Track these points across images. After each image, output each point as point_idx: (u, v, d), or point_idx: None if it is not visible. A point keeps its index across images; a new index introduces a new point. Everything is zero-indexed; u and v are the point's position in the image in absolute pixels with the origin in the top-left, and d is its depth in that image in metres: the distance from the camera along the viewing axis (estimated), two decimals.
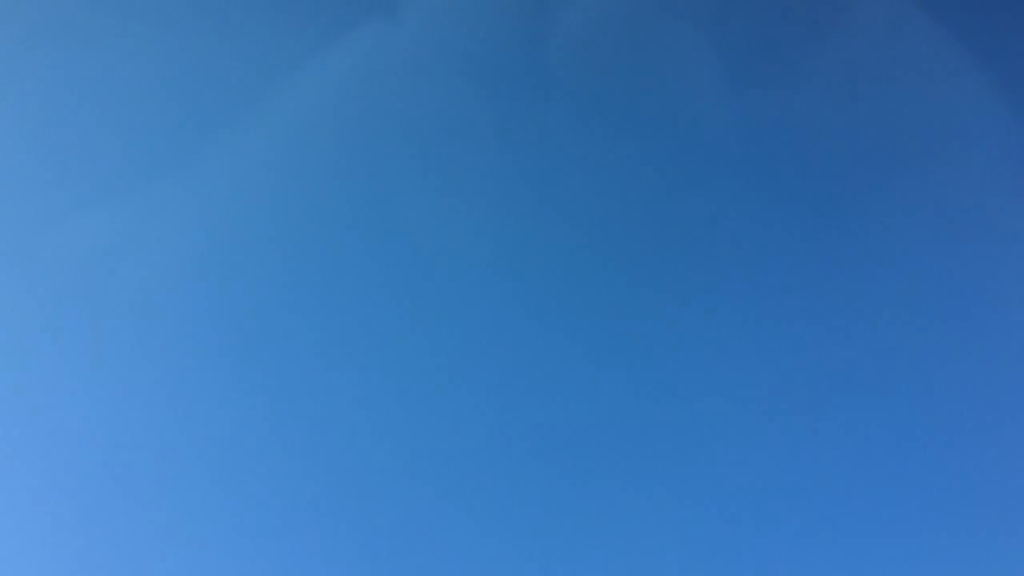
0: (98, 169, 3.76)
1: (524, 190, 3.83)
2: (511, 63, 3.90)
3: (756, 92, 3.87)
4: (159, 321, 3.65)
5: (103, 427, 3.55)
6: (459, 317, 3.70)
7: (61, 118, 3.78)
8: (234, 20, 3.90)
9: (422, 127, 3.86)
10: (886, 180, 3.78)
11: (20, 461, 3.51)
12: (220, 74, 3.85)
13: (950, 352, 3.63)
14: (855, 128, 3.83)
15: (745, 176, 3.82)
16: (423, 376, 3.65)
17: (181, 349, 3.63)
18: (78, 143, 3.77)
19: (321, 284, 3.71)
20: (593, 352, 3.68)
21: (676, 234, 3.78)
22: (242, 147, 3.80)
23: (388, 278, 3.73)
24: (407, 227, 3.78)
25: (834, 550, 3.48)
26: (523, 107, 3.87)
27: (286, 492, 3.53)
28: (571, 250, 3.78)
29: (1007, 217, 3.72)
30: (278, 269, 3.72)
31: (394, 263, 3.74)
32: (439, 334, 3.68)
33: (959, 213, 3.74)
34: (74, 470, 3.51)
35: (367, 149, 3.84)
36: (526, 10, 3.94)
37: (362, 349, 3.66)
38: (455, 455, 3.58)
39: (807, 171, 3.81)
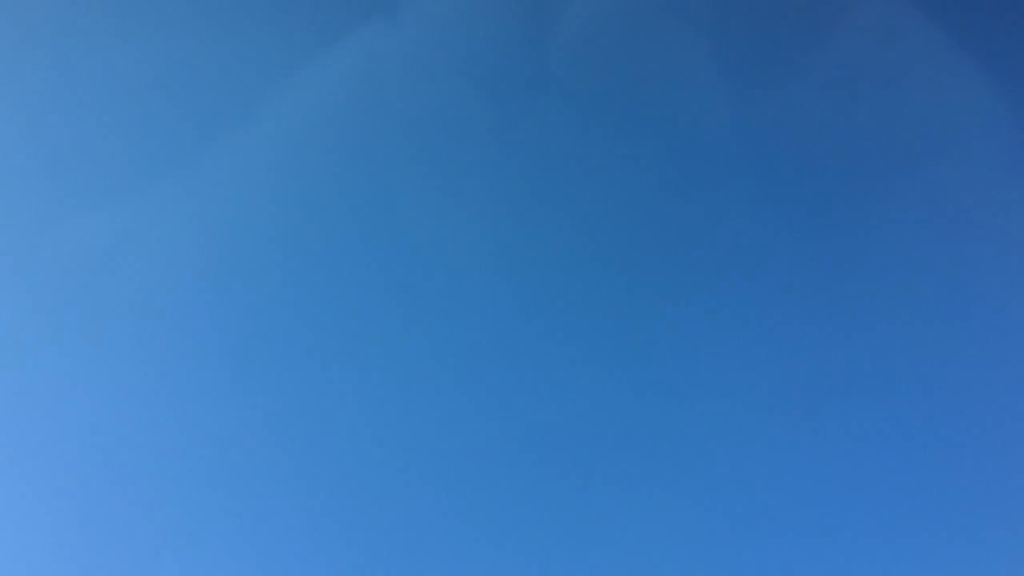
0: (99, 170, 3.77)
1: (524, 191, 3.83)
2: (511, 64, 3.91)
3: (756, 93, 3.88)
4: (160, 321, 3.65)
5: (103, 427, 3.55)
6: (459, 317, 3.70)
7: (61, 119, 3.79)
8: (234, 22, 3.90)
9: (422, 128, 3.86)
10: (885, 181, 3.79)
11: (20, 461, 3.51)
12: (220, 75, 3.86)
13: (950, 352, 3.63)
14: (855, 129, 3.84)
15: (745, 177, 3.83)
16: (423, 376, 3.65)
17: (181, 349, 3.63)
18: (78, 144, 3.78)
19: (321, 284, 3.71)
20: (593, 352, 3.68)
21: (676, 234, 3.79)
22: (242, 148, 3.80)
23: (388, 279, 3.74)
24: (407, 227, 3.78)
25: (834, 551, 3.48)
26: (523, 108, 3.88)
27: (286, 492, 3.53)
28: (571, 250, 3.78)
29: (1006, 217, 3.72)
30: (278, 269, 3.72)
31: (394, 264, 3.74)
32: (439, 334, 3.68)
33: (958, 214, 3.74)
34: (74, 470, 3.51)
35: (367, 150, 3.84)
36: (526, 11, 3.95)
37: (362, 349, 3.66)
38: (455, 455, 3.58)
39: (806, 172, 3.82)
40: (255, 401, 3.60)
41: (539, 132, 3.86)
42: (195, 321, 3.65)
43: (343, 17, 3.91)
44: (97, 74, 3.82)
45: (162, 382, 3.60)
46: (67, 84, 3.80)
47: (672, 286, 3.73)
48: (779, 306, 3.71)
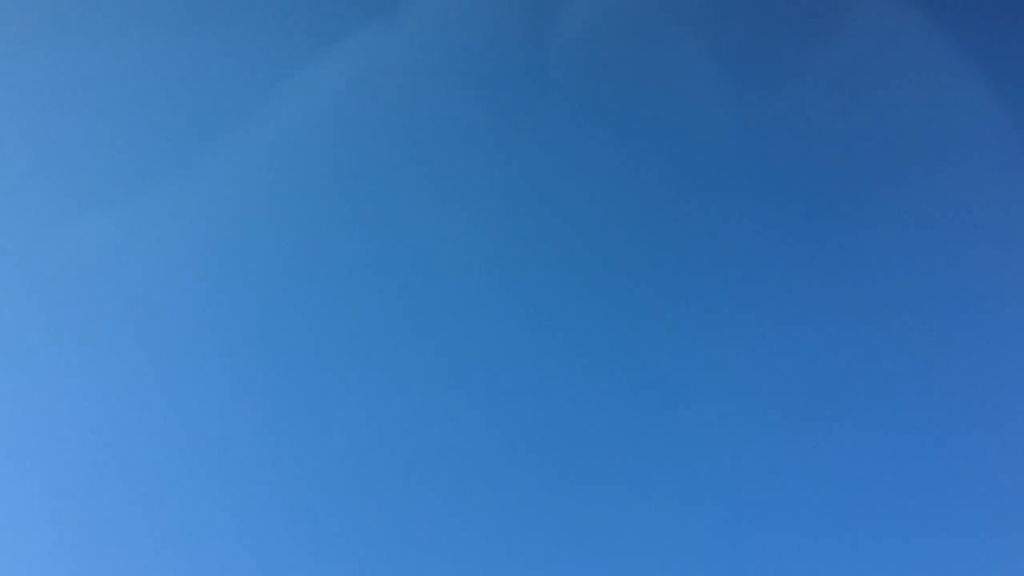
0: (99, 172, 3.77)
1: (523, 192, 3.83)
2: (511, 66, 3.91)
3: (755, 94, 3.88)
4: (161, 321, 3.65)
5: (104, 427, 3.55)
6: (459, 318, 3.70)
7: (62, 120, 3.79)
8: (235, 23, 3.90)
9: (422, 129, 3.86)
10: (885, 181, 3.79)
11: (21, 461, 3.51)
12: (221, 76, 3.86)
13: (950, 353, 3.63)
14: (854, 131, 3.84)
15: (744, 177, 3.83)
16: (423, 376, 3.65)
17: (182, 350, 3.63)
18: (79, 145, 3.78)
19: (321, 286, 3.72)
20: (592, 353, 3.68)
21: (675, 236, 3.79)
22: (243, 149, 3.81)
23: (388, 280, 3.74)
24: (407, 228, 3.78)
25: (835, 551, 3.48)
26: (522, 108, 3.88)
27: (286, 493, 3.53)
28: (570, 252, 3.78)
29: (1006, 218, 3.72)
30: (279, 270, 3.72)
31: (394, 265, 3.74)
32: (439, 334, 3.69)
33: (958, 214, 3.74)
34: (75, 470, 3.52)
35: (367, 151, 3.84)
36: (525, 14, 3.95)
37: (362, 350, 3.66)
38: (455, 455, 3.58)
39: (806, 172, 3.81)
40: (255, 401, 3.61)
41: (538, 133, 3.87)
42: (195, 321, 3.66)
43: (343, 18, 3.91)
44: (98, 75, 3.83)
45: (163, 382, 3.61)
46: (68, 86, 3.81)
47: (672, 287, 3.73)
48: (779, 307, 3.71)
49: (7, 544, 3.44)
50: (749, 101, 3.87)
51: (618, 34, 3.93)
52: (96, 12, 3.84)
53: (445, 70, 3.90)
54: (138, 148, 3.79)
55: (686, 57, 3.91)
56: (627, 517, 3.53)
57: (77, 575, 3.44)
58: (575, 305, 3.73)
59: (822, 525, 3.50)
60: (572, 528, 3.52)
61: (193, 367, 3.62)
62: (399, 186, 3.82)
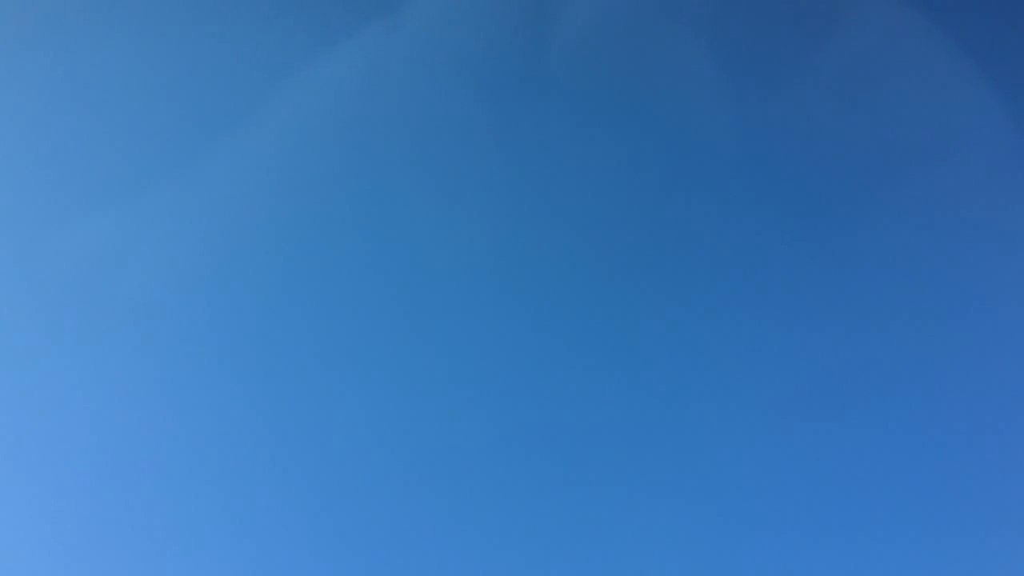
0: (99, 172, 3.77)
1: (524, 193, 3.84)
2: (511, 67, 3.91)
3: (755, 95, 3.88)
4: (161, 322, 3.65)
5: (104, 428, 3.55)
6: (459, 318, 3.70)
7: (62, 121, 3.79)
8: (235, 24, 3.91)
9: (422, 130, 3.86)
10: (885, 182, 3.79)
11: (21, 461, 3.51)
12: (221, 78, 3.86)
13: (950, 353, 3.63)
14: (854, 131, 3.84)
15: (744, 178, 3.83)
16: (423, 377, 3.65)
17: (182, 351, 3.63)
18: (80, 146, 3.78)
19: (321, 287, 3.72)
20: (592, 354, 3.68)
21: (676, 237, 3.79)
22: (243, 150, 3.81)
23: (389, 281, 3.74)
24: (407, 229, 3.78)
25: (835, 552, 3.48)
26: (523, 109, 3.88)
27: (287, 493, 3.53)
28: (571, 253, 3.78)
29: (1006, 218, 3.72)
30: (279, 270, 3.72)
31: (394, 266, 3.74)
32: (439, 335, 3.69)
33: (958, 215, 3.74)
34: (75, 471, 3.51)
35: (368, 152, 3.84)
36: (526, 14, 3.95)
37: (362, 351, 3.66)
38: (455, 458, 3.58)
39: (806, 173, 3.82)
40: (256, 401, 3.61)
41: (539, 134, 3.87)
42: (196, 321, 3.66)
43: (344, 19, 3.91)
44: (98, 75, 3.83)
45: (164, 383, 3.61)
46: (68, 86, 3.81)
47: (672, 287, 3.73)
48: (779, 307, 3.71)
49: (7, 544, 3.44)
50: (749, 101, 3.87)
51: (618, 34, 3.94)
52: (96, 12, 3.85)
53: (445, 70, 3.90)
54: (138, 148, 3.79)
55: (686, 57, 3.91)
56: (628, 517, 3.53)
57: (77, 575, 3.44)
58: (575, 305, 3.73)
59: (823, 526, 3.50)
60: (573, 528, 3.52)
61: (193, 367, 3.62)
62: (399, 186, 3.82)
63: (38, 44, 3.80)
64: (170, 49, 3.86)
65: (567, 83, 3.90)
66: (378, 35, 3.91)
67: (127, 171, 3.77)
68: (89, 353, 3.60)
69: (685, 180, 3.83)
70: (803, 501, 3.52)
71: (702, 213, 3.80)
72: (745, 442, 3.59)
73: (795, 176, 3.82)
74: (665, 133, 3.86)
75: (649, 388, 3.64)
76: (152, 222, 3.74)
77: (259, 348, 3.64)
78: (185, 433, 3.56)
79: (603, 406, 3.63)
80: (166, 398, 3.59)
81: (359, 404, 3.62)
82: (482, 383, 3.64)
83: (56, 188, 3.73)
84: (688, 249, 3.77)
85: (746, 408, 3.62)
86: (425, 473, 3.56)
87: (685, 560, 3.48)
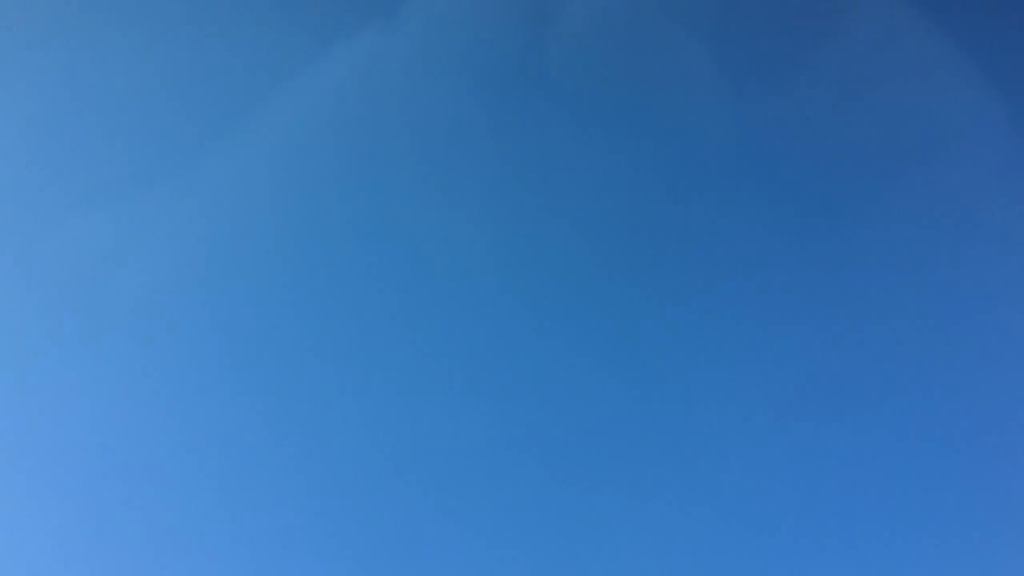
0: (99, 172, 3.78)
1: (523, 193, 3.84)
2: (510, 67, 3.91)
3: (755, 95, 3.88)
4: (160, 322, 3.65)
5: (103, 427, 3.55)
6: (458, 319, 3.70)
7: (62, 121, 3.80)
8: (234, 25, 3.91)
9: (421, 131, 3.87)
10: (885, 182, 3.78)
11: (20, 461, 3.52)
12: (221, 78, 3.87)
13: (950, 353, 3.62)
14: (854, 131, 3.84)
15: (744, 179, 3.83)
16: (422, 378, 3.65)
17: (182, 351, 3.64)
18: (79, 146, 3.79)
19: (320, 286, 3.72)
20: (591, 355, 3.68)
21: (675, 238, 3.79)
22: (243, 150, 3.81)
23: (389, 280, 3.74)
24: (406, 230, 3.79)
25: (835, 552, 3.47)
26: (522, 110, 3.88)
27: (287, 494, 3.53)
28: (570, 253, 3.78)
29: (1006, 218, 3.71)
30: (278, 271, 3.73)
31: (394, 265, 3.75)
32: (438, 335, 3.69)
33: (958, 215, 3.73)
34: (73, 470, 3.52)
35: (367, 153, 3.85)
36: (525, 15, 3.95)
37: (361, 351, 3.66)
38: (455, 458, 3.57)
39: (806, 174, 3.81)
40: (255, 401, 3.61)
41: (538, 134, 3.87)
42: (195, 321, 3.66)
43: (343, 20, 3.92)
44: (98, 76, 3.84)
45: (162, 383, 3.61)
46: (68, 86, 3.82)
47: (671, 287, 3.73)
48: (779, 307, 3.71)
49: (7, 544, 3.44)
50: (749, 101, 3.87)
51: (618, 34, 3.94)
52: (96, 13, 3.86)
53: (445, 71, 3.90)
54: (138, 148, 3.80)
55: (686, 58, 3.91)
56: (627, 517, 3.53)
57: (77, 575, 3.44)
58: (575, 305, 3.73)
59: (822, 526, 3.49)
60: (572, 528, 3.52)
61: (193, 367, 3.62)
62: (399, 186, 3.82)
63: (38, 44, 3.81)
64: (170, 50, 3.87)
65: (566, 83, 3.90)
66: (378, 36, 3.91)
67: (127, 171, 3.78)
68: (88, 352, 3.61)
69: (685, 180, 3.83)
70: (802, 501, 3.52)
71: (702, 213, 3.80)
72: (744, 442, 3.58)
73: (795, 176, 3.81)
74: (664, 133, 3.86)
75: (648, 388, 3.64)
76: (152, 222, 3.74)
77: (259, 348, 3.65)
78: (184, 433, 3.57)
79: (602, 406, 3.63)
80: (165, 397, 3.60)
81: (359, 404, 3.62)
82: (481, 382, 3.64)
83: (56, 188, 3.74)
84: (687, 249, 3.77)
85: (746, 408, 3.62)
86: (425, 473, 3.56)
87: (685, 560, 3.48)
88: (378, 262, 3.75)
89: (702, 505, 3.53)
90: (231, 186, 3.78)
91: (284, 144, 3.83)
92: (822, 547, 3.47)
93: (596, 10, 3.94)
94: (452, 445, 3.58)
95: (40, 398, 3.57)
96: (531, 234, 3.80)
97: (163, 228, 3.75)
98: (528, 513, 3.53)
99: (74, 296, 3.65)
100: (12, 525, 3.46)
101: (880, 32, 3.87)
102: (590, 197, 3.82)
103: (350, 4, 3.92)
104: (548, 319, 3.71)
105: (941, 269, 3.69)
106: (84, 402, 3.58)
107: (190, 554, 3.46)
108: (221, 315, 3.67)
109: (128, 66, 3.85)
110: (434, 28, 3.93)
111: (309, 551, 3.49)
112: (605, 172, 3.85)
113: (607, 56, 3.92)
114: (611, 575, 3.49)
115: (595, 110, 3.88)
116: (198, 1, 3.89)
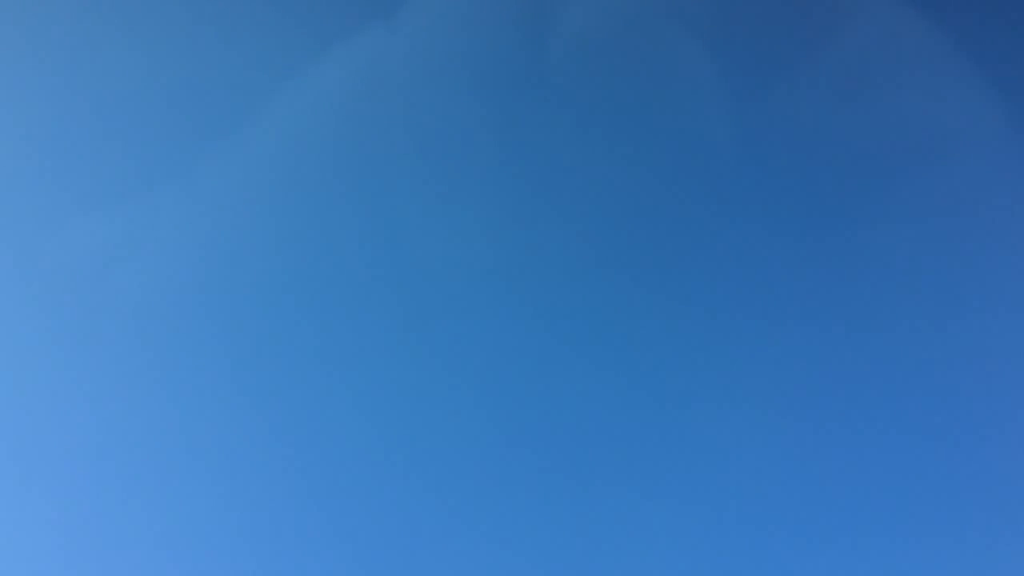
0: (99, 172, 3.78)
1: (524, 194, 3.84)
2: (511, 67, 3.91)
3: (755, 95, 3.88)
4: (161, 323, 3.66)
5: (103, 429, 3.56)
6: (459, 319, 3.70)
7: (63, 122, 3.80)
8: (235, 24, 3.91)
9: (422, 130, 3.87)
10: (885, 183, 3.78)
11: (20, 462, 3.52)
12: (221, 79, 3.87)
13: (950, 354, 3.62)
14: (854, 131, 3.84)
15: (744, 179, 3.83)
16: (423, 378, 3.65)
17: (183, 352, 3.64)
18: (79, 146, 3.79)
19: (321, 288, 3.72)
20: (592, 355, 3.68)
21: (676, 238, 3.79)
22: (243, 151, 3.81)
23: (389, 281, 3.74)
24: (407, 229, 3.79)
25: (835, 553, 3.47)
26: (522, 110, 3.88)
27: (287, 495, 3.53)
28: (571, 254, 3.78)
29: (1006, 219, 3.71)
30: (279, 272, 3.73)
31: (394, 267, 3.75)
32: (439, 336, 3.69)
33: (958, 216, 3.74)
34: (74, 470, 3.52)
35: (367, 152, 3.85)
36: (525, 15, 3.95)
37: (363, 351, 3.67)
38: (456, 458, 3.58)
39: (806, 174, 3.81)
40: (256, 402, 3.61)
41: (538, 135, 3.87)
42: (196, 322, 3.66)
43: (343, 20, 3.92)
44: (98, 75, 3.84)
45: (163, 385, 3.61)
46: (68, 86, 3.82)
47: (671, 287, 3.73)
48: (779, 307, 3.71)
49: (6, 544, 3.44)
50: (749, 101, 3.87)
51: (618, 34, 3.94)
52: (96, 12, 3.86)
53: (445, 71, 3.90)
54: (139, 148, 3.80)
55: (686, 58, 3.91)
56: (627, 517, 3.53)
57: (77, 575, 3.45)
58: (576, 306, 3.73)
59: (822, 526, 3.50)
60: (572, 528, 3.52)
61: (194, 368, 3.62)
62: (399, 187, 3.82)
63: (38, 44, 3.81)
64: (170, 50, 3.87)
65: (567, 83, 3.90)
66: (377, 36, 3.91)
67: (127, 171, 3.78)
68: (89, 353, 3.61)
69: (685, 180, 3.83)
70: (804, 501, 3.52)
71: (702, 213, 3.80)
72: (746, 441, 3.59)
73: (795, 176, 3.81)
74: (665, 133, 3.86)
75: (649, 388, 3.64)
76: (152, 223, 3.74)
77: (260, 348, 3.65)
78: (185, 433, 3.57)
79: (603, 406, 3.63)
80: (166, 398, 3.60)
81: (360, 404, 3.62)
82: (482, 383, 3.64)
83: (56, 188, 3.74)
84: (688, 249, 3.77)
85: (746, 407, 3.62)
86: (427, 472, 3.56)
87: (685, 560, 3.48)
88: (378, 261, 3.75)
89: (703, 504, 3.53)
90: (231, 186, 3.78)
91: (284, 144, 3.83)
92: (823, 547, 3.47)
93: (596, 10, 3.94)
94: (454, 444, 3.59)
95: (40, 398, 3.57)
96: (531, 234, 3.80)
97: (163, 228, 3.75)
98: (529, 512, 3.53)
99: (75, 296, 3.65)
100: (13, 526, 3.46)
101: (880, 32, 3.88)
102: (590, 197, 3.83)
103: (350, 4, 3.92)
104: (548, 318, 3.71)
105: (941, 269, 3.69)
106: (85, 402, 3.58)
107: (192, 554, 3.47)
108: (222, 314, 3.67)
109: (128, 66, 3.85)
110: (434, 28, 3.93)
111: (312, 551, 3.49)
112: (605, 172, 3.85)
113: (607, 56, 3.92)
114: (612, 574, 3.49)
115: (595, 110, 3.88)
116: (198, 1, 3.89)
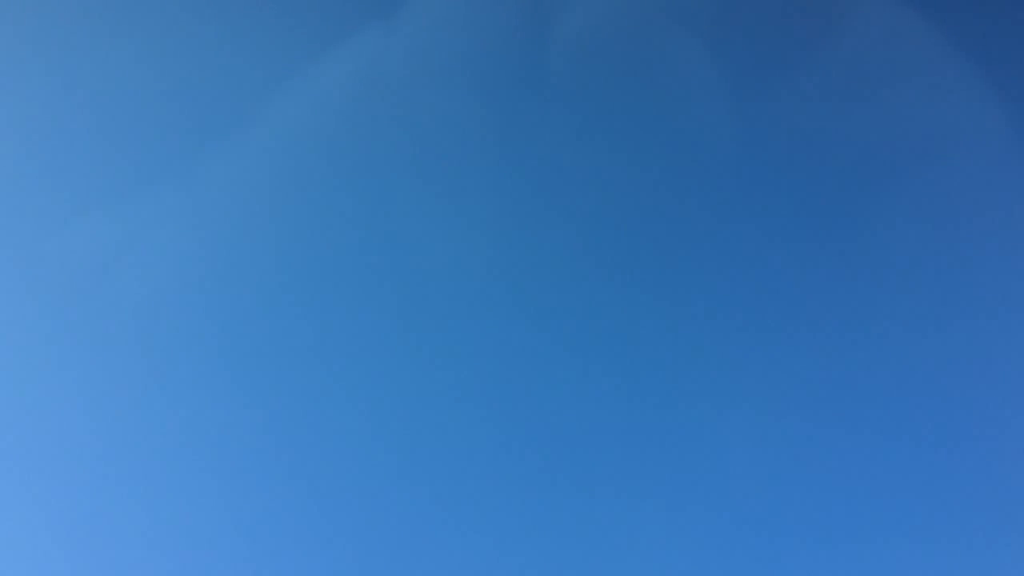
0: (99, 173, 3.78)
1: (523, 194, 3.84)
2: (510, 68, 3.91)
3: (755, 97, 3.88)
4: (160, 323, 3.66)
5: (103, 429, 3.56)
6: (458, 319, 3.70)
7: (62, 121, 3.80)
8: (235, 24, 3.92)
9: (421, 131, 3.87)
10: (885, 184, 3.78)
11: (21, 462, 3.52)
12: (221, 79, 3.87)
13: (950, 354, 3.62)
14: (854, 131, 3.83)
15: (744, 179, 3.82)
16: (422, 378, 3.65)
17: (182, 351, 3.64)
18: (79, 146, 3.79)
19: (321, 288, 3.72)
20: (592, 356, 3.68)
21: (675, 239, 3.79)
22: (243, 150, 3.81)
23: (389, 281, 3.74)
24: (406, 230, 3.79)
25: (835, 553, 3.47)
26: (522, 111, 3.88)
27: (286, 495, 3.54)
28: (570, 252, 3.78)
29: (1006, 219, 3.71)
30: (278, 272, 3.73)
31: (394, 266, 3.75)
32: (438, 336, 3.69)
33: (958, 216, 3.73)
34: (74, 470, 3.52)
35: (367, 153, 3.85)
36: (525, 15, 3.95)
37: (362, 352, 3.67)
38: (455, 458, 3.58)
39: (806, 174, 3.81)
40: (255, 402, 3.61)
41: (538, 135, 3.87)
42: (196, 322, 3.67)
43: (343, 19, 3.92)
44: (98, 75, 3.84)
45: (162, 384, 3.61)
46: (68, 86, 3.82)
47: (671, 287, 3.73)
48: (779, 308, 3.71)
49: (6, 544, 3.45)
50: (749, 101, 3.87)
51: (618, 34, 3.94)
52: (96, 12, 3.86)
53: (444, 71, 3.90)
54: (138, 148, 3.80)
55: (686, 58, 3.91)
56: (626, 518, 3.53)
57: (77, 575, 3.45)
58: (575, 306, 3.73)
59: (823, 527, 3.49)
60: (571, 529, 3.52)
61: (193, 367, 3.62)
62: (399, 187, 3.82)
63: (38, 44, 3.81)
64: (169, 50, 3.87)
65: (566, 83, 3.90)
66: (377, 36, 3.91)
67: (127, 171, 3.78)
68: (88, 353, 3.61)
69: (685, 180, 3.83)
70: (803, 502, 3.52)
71: (702, 213, 3.80)
72: (745, 442, 3.58)
73: (795, 176, 3.81)
74: (665, 133, 3.86)
75: (650, 389, 3.64)
76: (152, 222, 3.75)
77: (259, 348, 3.65)
78: (185, 432, 3.57)
79: (603, 406, 3.63)
80: (165, 397, 3.60)
81: (359, 404, 3.63)
82: (482, 383, 3.64)
83: (56, 188, 3.75)
84: (687, 249, 3.77)
85: (746, 408, 3.62)
86: (425, 472, 3.56)
87: (684, 560, 3.48)
88: (378, 262, 3.75)
89: (702, 505, 3.53)
90: (231, 186, 3.78)
91: (284, 144, 3.83)
92: (822, 547, 3.47)
93: (596, 10, 3.94)
94: (452, 444, 3.59)
95: (40, 397, 3.57)
96: (531, 234, 3.80)
97: (163, 228, 3.75)
98: (528, 512, 3.53)
99: (75, 295, 3.66)
100: (13, 526, 3.46)
101: (880, 32, 3.87)
102: (590, 197, 3.83)
103: (350, 4, 3.92)
104: (547, 318, 3.71)
105: (941, 270, 3.69)
106: (84, 401, 3.58)
107: (192, 554, 3.47)
108: (222, 314, 3.67)
109: (128, 66, 3.85)
110: (434, 28, 3.93)
111: (311, 551, 3.49)
112: (605, 172, 3.85)
113: (607, 56, 3.92)
114: (611, 574, 3.49)
115: (595, 110, 3.88)
116: (198, 1, 3.89)
